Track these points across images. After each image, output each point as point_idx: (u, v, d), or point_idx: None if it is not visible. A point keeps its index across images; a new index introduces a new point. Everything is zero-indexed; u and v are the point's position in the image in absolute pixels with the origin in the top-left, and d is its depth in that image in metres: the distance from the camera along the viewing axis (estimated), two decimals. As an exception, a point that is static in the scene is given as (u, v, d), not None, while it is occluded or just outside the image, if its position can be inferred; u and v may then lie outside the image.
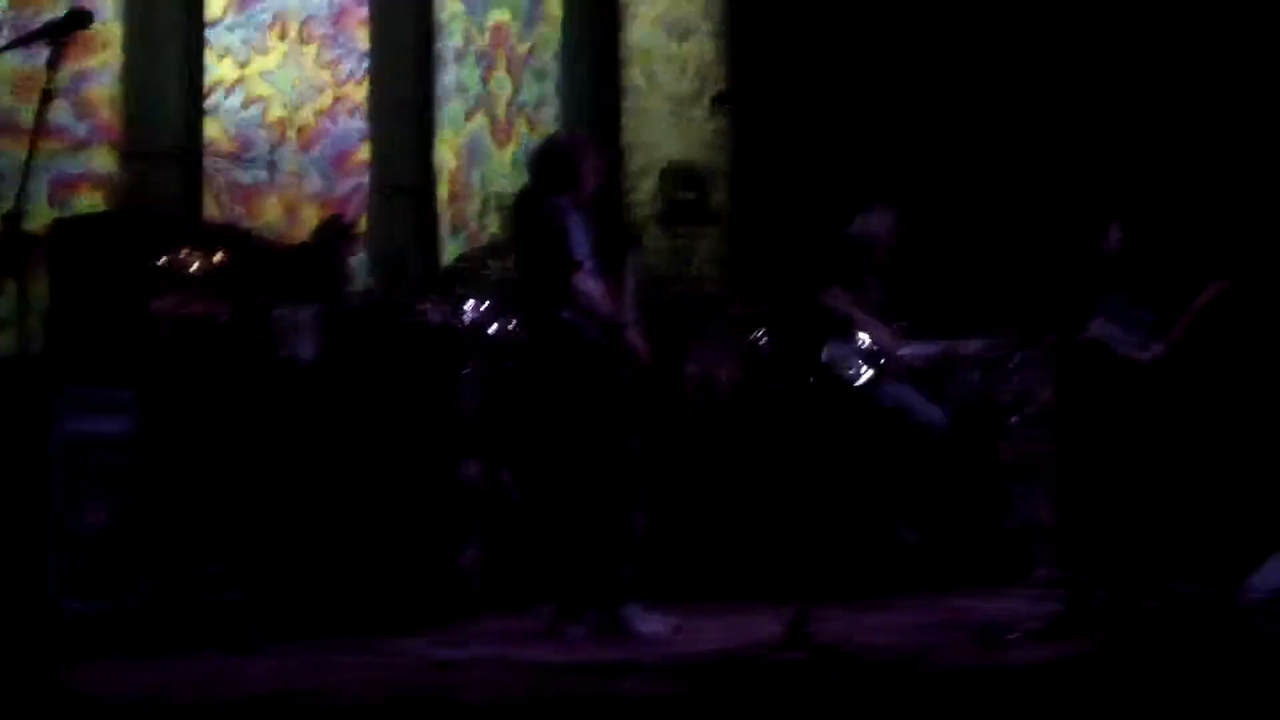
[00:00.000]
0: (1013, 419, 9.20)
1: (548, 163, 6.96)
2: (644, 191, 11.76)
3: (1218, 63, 10.14)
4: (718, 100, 8.91)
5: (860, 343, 8.48)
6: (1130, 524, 7.77)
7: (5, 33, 8.39)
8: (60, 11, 8.29)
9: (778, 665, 5.36)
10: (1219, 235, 8.54)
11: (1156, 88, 10.28)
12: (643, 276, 6.99)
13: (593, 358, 6.56)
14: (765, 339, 9.35)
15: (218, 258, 6.82)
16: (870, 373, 8.45)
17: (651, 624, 6.46)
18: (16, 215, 4.64)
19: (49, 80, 4.78)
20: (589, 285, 6.59)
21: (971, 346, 8.76)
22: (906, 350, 8.56)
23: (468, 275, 9.36)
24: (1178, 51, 10.26)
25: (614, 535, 6.53)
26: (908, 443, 8.41)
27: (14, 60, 8.24)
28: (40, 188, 8.20)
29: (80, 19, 4.90)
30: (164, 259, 6.63)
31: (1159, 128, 10.17)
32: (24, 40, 5.11)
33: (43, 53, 7.98)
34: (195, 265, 6.75)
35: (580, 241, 6.62)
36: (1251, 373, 8.65)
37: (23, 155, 7.56)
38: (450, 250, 10.60)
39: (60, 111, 8.39)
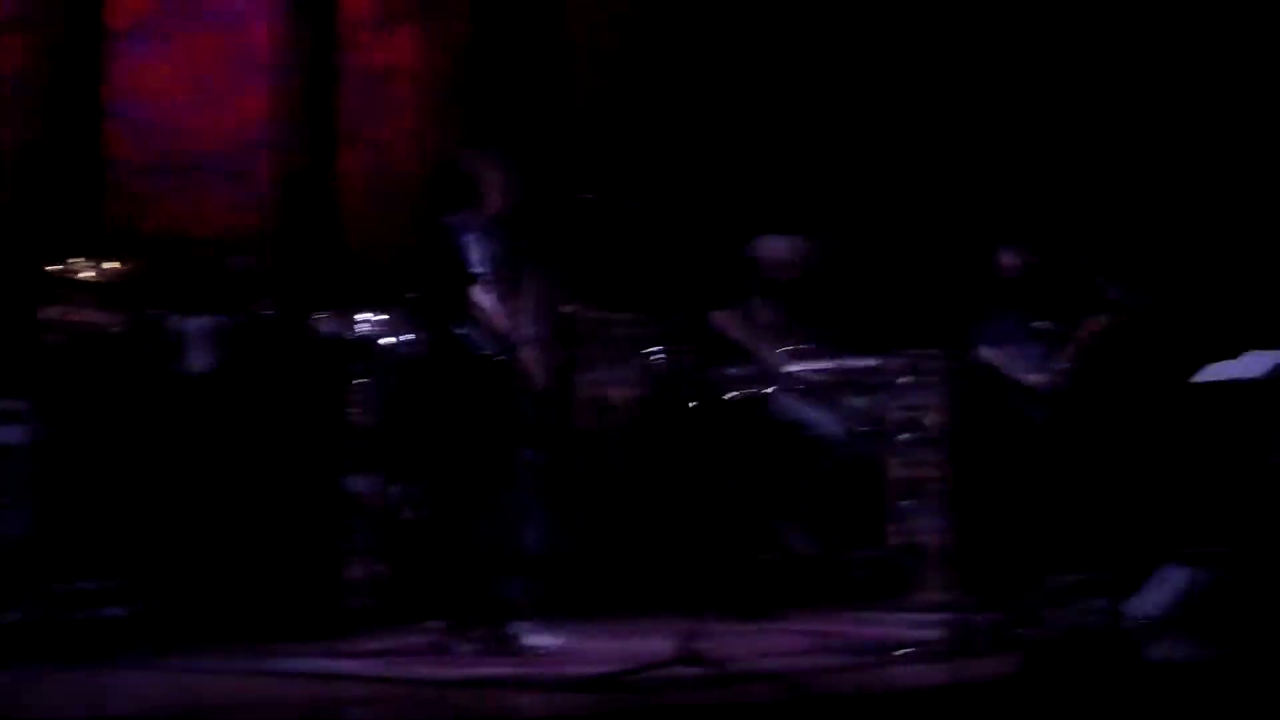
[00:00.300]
0: (902, 437, 9.29)
1: (446, 180, 6.94)
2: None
3: (1109, 76, 10.29)
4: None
5: (754, 363, 8.52)
6: (1018, 546, 7.86)
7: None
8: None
9: (669, 681, 5.37)
10: (1117, 260, 8.67)
11: (1052, 103, 10.40)
12: (552, 294, 7.00)
13: (484, 374, 6.57)
14: (659, 355, 9.37)
15: (112, 266, 6.75)
16: (764, 390, 8.49)
17: (541, 640, 6.45)
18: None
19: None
20: (483, 299, 6.58)
21: (863, 364, 8.81)
22: (797, 367, 8.60)
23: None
24: (1075, 65, 10.39)
25: (503, 552, 6.53)
26: (803, 455, 8.45)
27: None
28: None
29: None
30: (56, 266, 6.56)
31: (1058, 147, 10.30)
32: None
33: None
34: (88, 273, 6.68)
35: (476, 257, 6.60)
36: (1141, 393, 8.81)
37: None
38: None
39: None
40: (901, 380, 9.15)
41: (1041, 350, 8.67)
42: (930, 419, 9.39)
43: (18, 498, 6.24)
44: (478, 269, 6.62)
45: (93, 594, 6.48)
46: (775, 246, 8.81)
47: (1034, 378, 8.61)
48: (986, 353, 8.58)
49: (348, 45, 10.06)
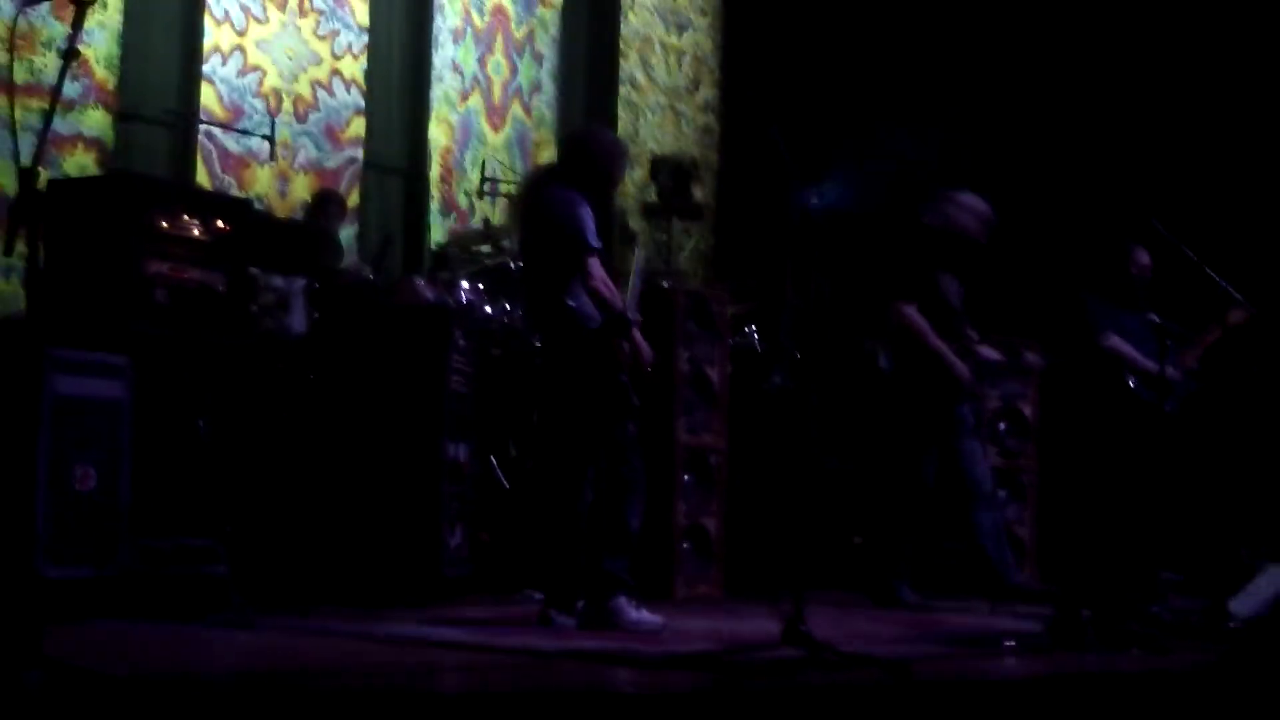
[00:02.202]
0: (1000, 426, 9.19)
1: (579, 152, 6.79)
2: (632, 183, 11.72)
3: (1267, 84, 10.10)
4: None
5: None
6: (1119, 542, 7.75)
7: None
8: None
9: (772, 663, 5.30)
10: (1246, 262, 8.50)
11: (1198, 106, 10.21)
12: (649, 277, 6.86)
13: (593, 348, 6.48)
14: (756, 336, 9.30)
15: (217, 225, 6.73)
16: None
17: (642, 617, 6.40)
18: (32, 172, 4.54)
19: (73, 39, 4.67)
20: (603, 272, 6.49)
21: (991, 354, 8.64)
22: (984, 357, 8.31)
23: (457, 256, 9.31)
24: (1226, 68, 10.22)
25: (606, 527, 6.46)
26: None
27: (6, 15, 8.18)
28: (28, 145, 8.10)
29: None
30: (162, 224, 6.54)
31: (1195, 148, 10.12)
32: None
33: (40, 9, 8.09)
34: (193, 232, 6.66)
35: (594, 233, 6.50)
36: (1253, 394, 8.66)
37: (10, 112, 7.63)
38: (438, 230, 10.55)
39: (52, 70, 8.29)
40: (1000, 368, 9.08)
41: (1170, 346, 8.52)
42: (1027, 409, 9.32)
43: (118, 452, 6.23)
44: (596, 242, 6.49)
45: (194, 551, 6.47)
46: (974, 204, 8.09)
47: (1165, 371, 8.47)
48: (1116, 343, 8.42)
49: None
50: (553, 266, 6.49)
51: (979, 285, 9.16)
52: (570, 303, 6.44)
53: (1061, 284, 8.84)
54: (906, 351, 7.89)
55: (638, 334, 6.53)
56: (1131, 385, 8.31)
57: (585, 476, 6.49)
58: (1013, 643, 6.17)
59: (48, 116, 4.79)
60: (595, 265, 6.43)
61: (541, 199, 6.62)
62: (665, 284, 8.58)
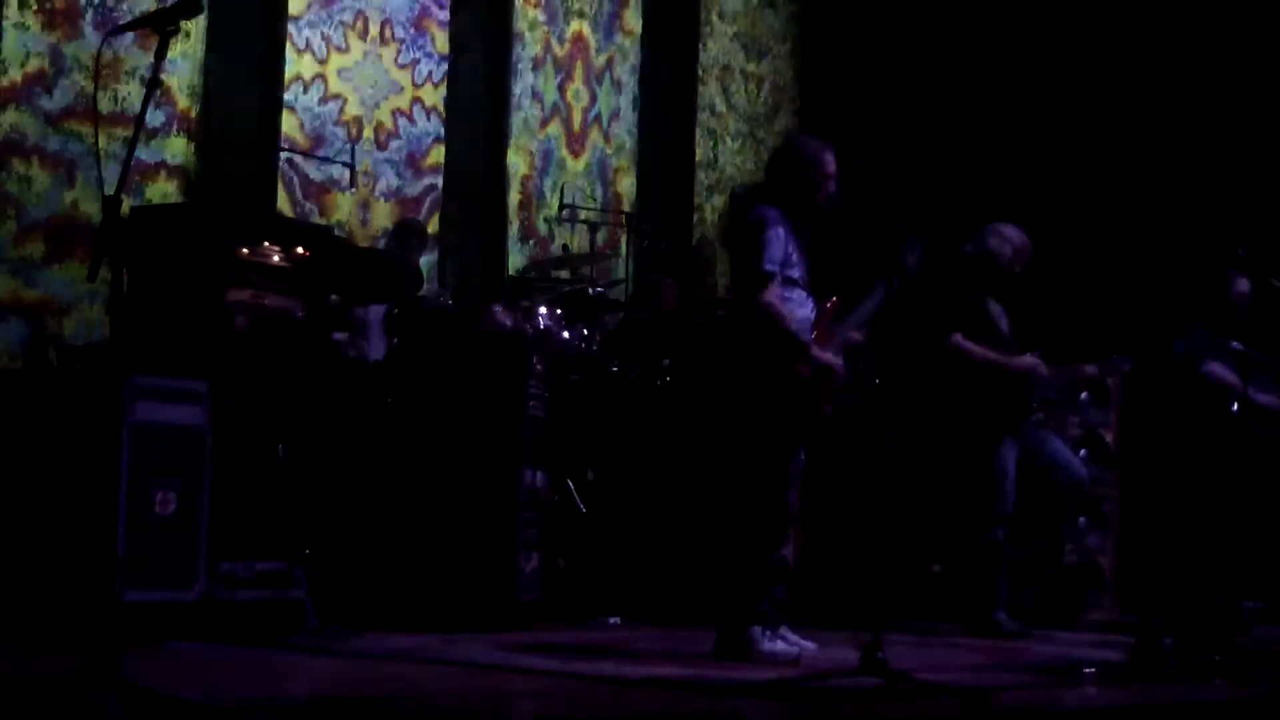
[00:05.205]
0: (1081, 453, 9.10)
1: (780, 165, 6.59)
2: (712, 209, 11.74)
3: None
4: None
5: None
6: (1203, 571, 7.66)
7: (91, 17, 8.43)
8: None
9: (849, 691, 5.27)
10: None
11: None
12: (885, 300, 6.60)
13: (761, 372, 6.33)
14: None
15: (298, 253, 6.77)
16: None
17: (775, 648, 6.28)
18: (116, 200, 4.58)
19: (157, 68, 4.72)
20: (772, 297, 6.26)
21: (1086, 369, 8.54)
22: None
23: (536, 283, 9.34)
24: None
25: (739, 557, 6.39)
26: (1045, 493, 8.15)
27: (92, 45, 8.30)
28: (113, 174, 8.20)
29: (191, 7, 4.83)
30: (243, 251, 6.59)
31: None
32: (135, 24, 5.04)
33: (124, 39, 8.20)
34: (274, 259, 6.71)
35: (775, 254, 6.29)
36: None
37: (94, 139, 7.72)
38: (517, 257, 10.59)
39: (136, 99, 8.39)
40: (1083, 395, 9.01)
41: (1269, 375, 8.43)
42: (1108, 435, 9.24)
43: (198, 477, 6.27)
44: (770, 265, 6.28)
45: (271, 575, 6.51)
46: (1011, 235, 8.05)
47: (1264, 399, 8.37)
48: (1218, 370, 8.34)
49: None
50: (739, 284, 6.43)
51: (1070, 309, 9.10)
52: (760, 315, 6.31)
53: (1164, 311, 8.76)
54: (966, 378, 7.82)
55: (822, 353, 6.36)
56: (1234, 411, 8.23)
57: (739, 507, 6.40)
58: (1093, 671, 6.10)
59: (131, 145, 4.84)
60: (764, 291, 6.23)
61: (738, 219, 6.54)
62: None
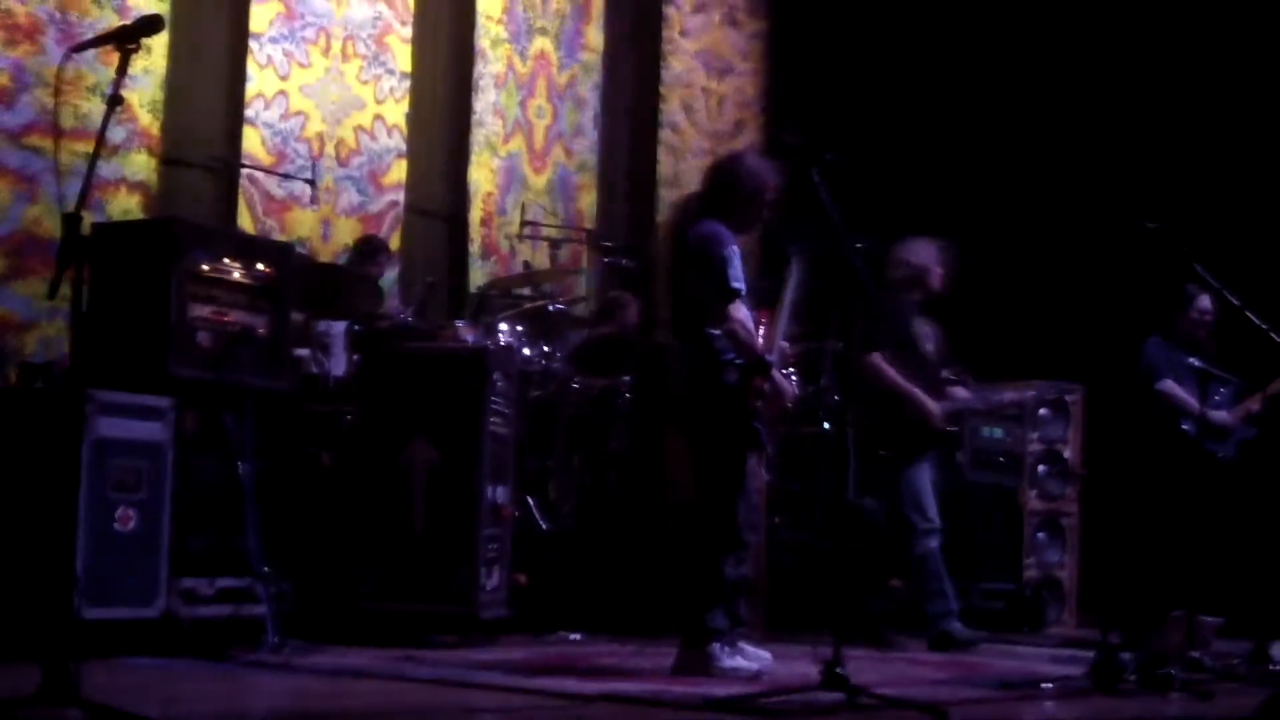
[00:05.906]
0: (1040, 469, 9.15)
1: (723, 181, 6.59)
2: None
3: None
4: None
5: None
6: (1162, 586, 7.69)
7: (52, 33, 8.42)
8: (104, 14, 8.47)
9: (808, 705, 5.29)
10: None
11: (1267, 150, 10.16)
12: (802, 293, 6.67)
13: (730, 388, 6.36)
14: (794, 379, 9.27)
15: (260, 269, 6.77)
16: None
17: (737, 664, 6.29)
18: (76, 217, 4.58)
19: (118, 85, 4.72)
20: (743, 314, 6.31)
21: (1012, 396, 8.62)
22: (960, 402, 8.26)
23: (498, 300, 9.35)
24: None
25: (699, 573, 6.39)
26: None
27: (53, 61, 8.28)
28: (72, 189, 8.19)
29: (153, 25, 4.84)
30: (205, 267, 6.58)
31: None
32: (97, 41, 5.04)
33: (86, 55, 8.18)
34: (235, 275, 6.70)
35: (739, 271, 6.32)
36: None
37: (55, 155, 7.70)
38: (478, 273, 10.60)
39: (97, 114, 8.37)
40: (1042, 412, 9.06)
41: (1230, 393, 8.48)
42: (1069, 452, 9.30)
43: (159, 494, 6.27)
44: (738, 284, 6.32)
45: (232, 592, 6.51)
46: (924, 250, 8.15)
47: (1219, 416, 8.41)
48: (1170, 387, 8.40)
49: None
50: (697, 302, 6.41)
51: (1029, 327, 9.13)
52: (713, 332, 6.35)
53: (1123, 327, 8.80)
54: (876, 398, 7.86)
55: (778, 375, 6.44)
56: (1185, 429, 8.28)
57: (709, 520, 6.41)
58: (1052, 685, 6.14)
59: (92, 161, 4.83)
60: (736, 309, 6.28)
61: (689, 234, 6.47)
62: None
